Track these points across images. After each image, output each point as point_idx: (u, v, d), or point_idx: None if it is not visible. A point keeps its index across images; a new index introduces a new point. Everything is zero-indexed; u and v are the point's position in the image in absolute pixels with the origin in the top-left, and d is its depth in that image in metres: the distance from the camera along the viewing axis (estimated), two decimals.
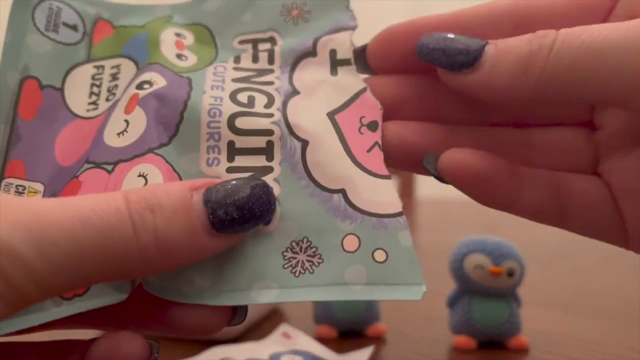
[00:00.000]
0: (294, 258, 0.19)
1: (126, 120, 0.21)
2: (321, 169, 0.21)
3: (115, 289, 0.19)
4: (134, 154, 0.21)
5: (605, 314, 0.42)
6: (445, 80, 0.22)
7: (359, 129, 0.22)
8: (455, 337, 0.35)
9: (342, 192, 0.20)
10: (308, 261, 0.19)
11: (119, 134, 0.21)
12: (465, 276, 0.34)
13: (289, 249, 0.20)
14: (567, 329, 0.39)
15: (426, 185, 0.86)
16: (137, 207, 0.17)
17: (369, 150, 0.21)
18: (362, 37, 0.24)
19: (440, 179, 0.22)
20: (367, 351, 0.33)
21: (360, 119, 0.22)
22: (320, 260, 0.19)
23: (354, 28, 0.23)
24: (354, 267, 0.19)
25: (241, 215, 0.18)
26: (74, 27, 0.24)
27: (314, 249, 0.20)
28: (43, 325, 0.19)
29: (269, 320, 0.40)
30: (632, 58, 0.18)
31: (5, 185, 0.22)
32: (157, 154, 0.20)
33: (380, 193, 0.20)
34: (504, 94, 0.21)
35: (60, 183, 0.22)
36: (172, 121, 0.21)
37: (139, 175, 0.20)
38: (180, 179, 0.20)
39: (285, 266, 0.19)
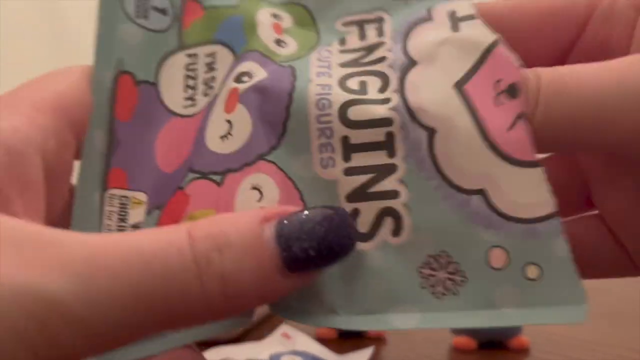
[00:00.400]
0: (433, 276, 0.17)
1: (228, 121, 0.19)
2: (454, 163, 0.17)
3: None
4: (243, 162, 0.18)
5: (605, 314, 0.42)
6: None
7: (496, 98, 0.18)
8: (455, 337, 0.35)
9: (482, 193, 0.17)
10: (449, 280, 0.17)
11: (222, 137, 0.19)
12: None
13: (425, 265, 0.17)
14: (568, 329, 0.39)
15: None
16: (203, 248, 0.15)
17: (510, 128, 0.17)
18: None
19: None
20: (367, 351, 0.33)
21: (496, 82, 0.18)
22: (463, 279, 0.17)
23: None
24: (503, 287, 0.17)
25: (318, 253, 0.16)
26: (163, 11, 0.22)
27: (456, 265, 0.17)
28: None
29: (269, 321, 0.40)
30: (631, 105, 0.16)
31: (109, 198, 0.20)
32: (268, 161, 0.18)
33: (528, 190, 0.17)
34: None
35: (164, 193, 0.20)
36: (279, 119, 0.18)
37: (253, 188, 0.18)
38: (296, 186, 0.18)
39: (424, 285, 0.17)
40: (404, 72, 0.19)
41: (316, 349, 0.34)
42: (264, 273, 0.15)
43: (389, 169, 0.18)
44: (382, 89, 0.18)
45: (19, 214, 0.16)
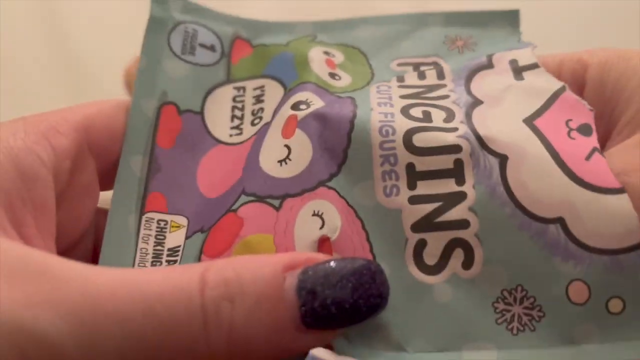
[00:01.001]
0: (508, 311, 0.16)
1: (287, 146, 0.18)
2: (528, 190, 0.16)
3: None
4: (302, 187, 0.18)
5: None
6: None
7: (568, 133, 0.17)
8: None
9: (560, 221, 0.16)
10: (526, 315, 0.16)
11: (280, 161, 0.18)
12: None
13: (500, 300, 0.16)
14: None
15: None
16: (214, 295, 0.14)
17: (587, 158, 0.16)
18: None
19: None
20: None
21: (567, 122, 0.17)
22: (540, 314, 0.16)
23: (534, 46, 0.20)
24: (584, 323, 0.16)
25: (341, 311, 0.14)
26: (211, 48, 0.22)
27: (532, 300, 0.16)
28: None
29: None
30: None
31: (146, 221, 0.19)
32: (329, 187, 0.18)
33: (611, 218, 0.16)
34: None
35: (209, 218, 0.19)
36: (339, 146, 0.18)
37: (314, 215, 0.17)
38: (357, 215, 0.17)
39: (499, 321, 0.16)
40: (470, 108, 0.18)
41: (316, 348, 0.34)
42: (278, 329, 0.14)
43: (458, 197, 0.17)
44: (448, 120, 0.18)
45: (32, 237, 0.16)
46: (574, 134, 0.17)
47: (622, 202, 0.16)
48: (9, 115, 0.22)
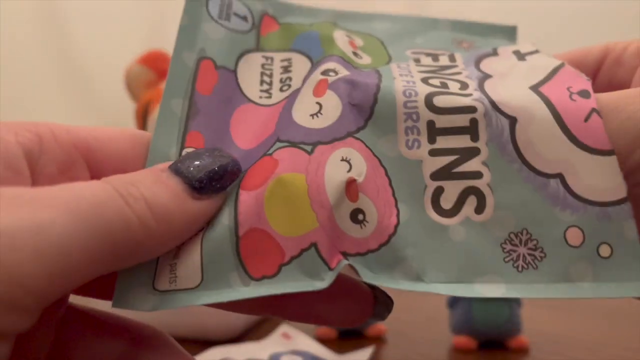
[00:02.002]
0: (514, 251, 0.18)
1: (318, 103, 0.21)
2: (534, 149, 0.19)
3: (310, 276, 0.18)
4: (333, 136, 0.20)
5: (605, 314, 0.42)
6: None
7: (570, 96, 0.19)
8: (455, 337, 0.35)
9: (560, 177, 0.19)
10: (530, 255, 0.18)
11: (312, 115, 0.20)
12: None
13: (507, 241, 0.18)
14: (568, 329, 0.39)
15: None
16: (119, 184, 0.17)
17: (586, 120, 0.19)
18: None
19: None
20: (367, 351, 0.33)
21: (568, 88, 0.20)
22: (542, 255, 0.18)
23: (537, 52, 0.23)
24: (579, 264, 0.18)
25: (213, 174, 0.18)
26: (244, 18, 0.24)
27: (535, 242, 0.18)
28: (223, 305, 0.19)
29: (269, 321, 0.40)
30: None
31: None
32: (356, 138, 0.20)
33: (602, 176, 0.18)
34: None
35: (243, 163, 0.20)
36: (367, 104, 0.20)
37: (343, 160, 0.19)
38: (381, 163, 0.19)
39: (507, 260, 0.18)
40: (481, 81, 0.21)
41: (316, 348, 0.34)
42: (179, 197, 0.18)
43: (473, 152, 0.19)
44: (463, 89, 0.20)
45: None
46: (575, 96, 0.19)
47: (611, 162, 0.18)
48: (8, 116, 0.22)
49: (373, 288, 0.21)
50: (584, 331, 0.38)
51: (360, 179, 0.19)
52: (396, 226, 0.19)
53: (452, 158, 0.19)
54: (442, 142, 0.19)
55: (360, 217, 0.18)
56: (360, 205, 0.18)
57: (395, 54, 0.24)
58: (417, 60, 0.23)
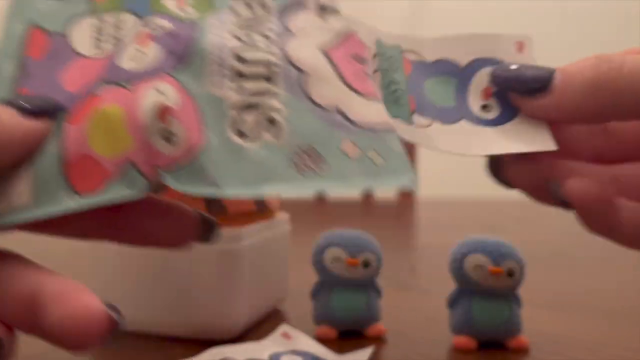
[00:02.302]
0: (301, 161, 0.23)
1: (140, 50, 0.24)
2: (319, 92, 0.24)
3: (130, 188, 0.22)
4: (150, 75, 0.23)
5: (605, 314, 0.42)
6: (519, 104, 0.27)
7: (349, 59, 0.26)
8: (455, 337, 0.35)
9: (339, 110, 0.24)
10: (313, 162, 0.23)
11: (133, 59, 0.24)
12: (466, 276, 0.34)
13: (296, 154, 0.23)
14: (568, 329, 0.39)
15: (426, 185, 0.87)
16: None
17: (359, 76, 0.25)
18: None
19: (566, 204, 0.26)
20: (367, 351, 0.33)
21: (350, 54, 0.26)
22: (324, 162, 0.23)
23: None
24: (353, 165, 0.23)
25: (40, 101, 0.23)
26: None
27: (317, 155, 0.23)
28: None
29: (269, 321, 0.40)
30: None
31: None
32: (170, 75, 0.23)
33: (372, 113, 0.24)
34: (573, 114, 0.25)
35: (70, 102, 0.24)
36: (182, 51, 0.24)
37: (156, 90, 0.23)
38: (191, 96, 0.23)
39: (293, 168, 0.23)
40: (284, 37, 0.26)
41: (316, 348, 0.34)
42: (12, 114, 0.22)
43: (270, 92, 0.24)
44: (267, 44, 0.25)
45: None
46: (352, 61, 0.26)
47: (379, 106, 0.25)
48: None
49: (200, 214, 0.26)
50: (583, 331, 0.38)
51: (171, 105, 0.22)
52: (202, 146, 0.22)
53: (252, 96, 0.24)
54: (245, 84, 0.24)
55: (172, 138, 0.22)
56: (172, 127, 0.22)
57: (219, 3, 0.27)
58: (234, 11, 0.27)
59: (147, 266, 0.36)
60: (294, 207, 0.48)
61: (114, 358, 0.34)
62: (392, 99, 0.27)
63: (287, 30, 0.26)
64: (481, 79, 0.29)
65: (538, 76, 0.25)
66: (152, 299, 0.36)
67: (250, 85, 0.24)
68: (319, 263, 0.37)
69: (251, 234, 0.37)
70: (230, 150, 0.23)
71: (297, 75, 0.24)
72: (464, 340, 0.35)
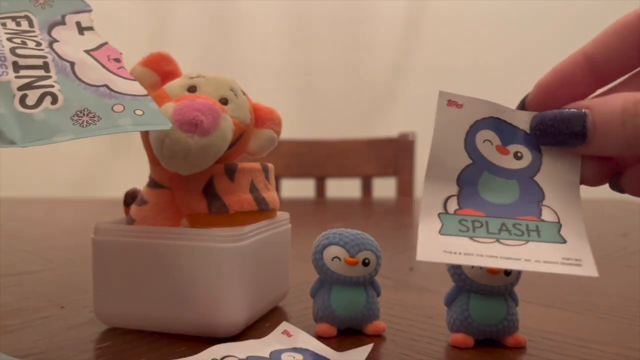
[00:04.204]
0: (80, 119, 0.30)
1: None
2: (87, 75, 0.33)
3: None
4: None
5: (602, 313, 0.43)
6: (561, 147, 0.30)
7: (107, 59, 0.34)
8: (452, 335, 0.36)
9: (106, 85, 0.32)
10: (91, 119, 0.30)
11: None
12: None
13: (76, 115, 0.30)
14: (565, 327, 0.39)
15: None
16: None
17: (118, 69, 0.34)
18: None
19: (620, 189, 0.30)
20: (367, 349, 0.34)
21: (107, 56, 0.35)
22: (99, 119, 0.30)
23: (90, 11, 0.37)
24: (123, 118, 0.31)
25: None
26: None
27: (94, 114, 0.30)
28: None
29: (270, 319, 0.41)
30: None
31: None
32: None
33: (131, 86, 0.33)
34: (617, 154, 0.29)
35: None
36: None
37: None
38: None
39: (74, 124, 0.30)
40: (51, 43, 0.34)
41: (316, 346, 0.34)
42: None
43: (46, 77, 0.31)
44: (37, 46, 0.33)
45: None
46: (110, 60, 0.34)
47: (135, 83, 0.34)
48: None
49: None
50: (581, 329, 0.39)
51: None
52: None
53: (32, 79, 0.31)
54: (24, 72, 0.31)
55: None
56: None
57: None
58: (4, 25, 0.34)
59: (149, 264, 0.37)
60: (294, 207, 0.48)
61: (116, 356, 0.34)
62: None
63: (54, 39, 0.34)
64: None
65: (573, 131, 0.28)
66: (154, 297, 0.37)
67: (28, 72, 0.31)
68: (319, 262, 0.37)
69: (252, 233, 0.37)
70: (20, 117, 0.29)
71: (68, 65, 0.33)
72: (461, 338, 0.35)
